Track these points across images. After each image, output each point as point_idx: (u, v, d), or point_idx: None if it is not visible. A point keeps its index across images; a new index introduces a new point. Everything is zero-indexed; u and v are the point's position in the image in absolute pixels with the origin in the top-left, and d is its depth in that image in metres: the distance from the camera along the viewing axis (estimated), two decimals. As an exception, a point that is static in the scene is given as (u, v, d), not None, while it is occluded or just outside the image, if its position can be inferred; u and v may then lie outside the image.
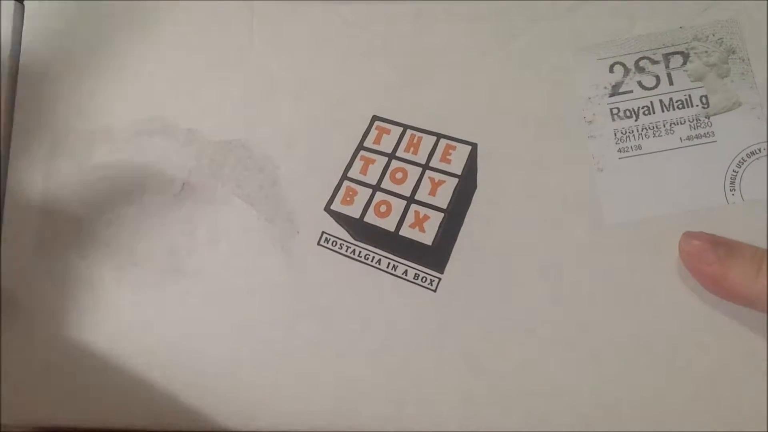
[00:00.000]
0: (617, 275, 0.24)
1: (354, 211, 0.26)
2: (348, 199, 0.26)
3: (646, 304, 0.24)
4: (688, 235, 0.23)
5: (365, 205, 0.26)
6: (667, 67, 0.25)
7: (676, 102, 0.25)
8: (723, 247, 0.22)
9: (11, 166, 0.28)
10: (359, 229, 0.25)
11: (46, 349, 0.26)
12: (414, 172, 0.26)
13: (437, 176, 0.25)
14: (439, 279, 0.25)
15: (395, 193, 0.26)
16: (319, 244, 0.25)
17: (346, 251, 0.25)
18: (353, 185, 0.26)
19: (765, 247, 0.22)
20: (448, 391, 0.24)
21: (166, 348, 0.25)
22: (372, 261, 0.25)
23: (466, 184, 0.25)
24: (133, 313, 0.26)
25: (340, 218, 0.26)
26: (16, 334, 0.26)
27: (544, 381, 0.24)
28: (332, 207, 0.26)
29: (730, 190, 0.24)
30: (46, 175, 0.27)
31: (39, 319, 0.26)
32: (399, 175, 0.26)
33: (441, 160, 0.26)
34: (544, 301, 0.24)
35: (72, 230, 0.27)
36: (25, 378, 0.26)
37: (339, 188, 0.26)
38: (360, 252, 0.25)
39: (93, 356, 0.26)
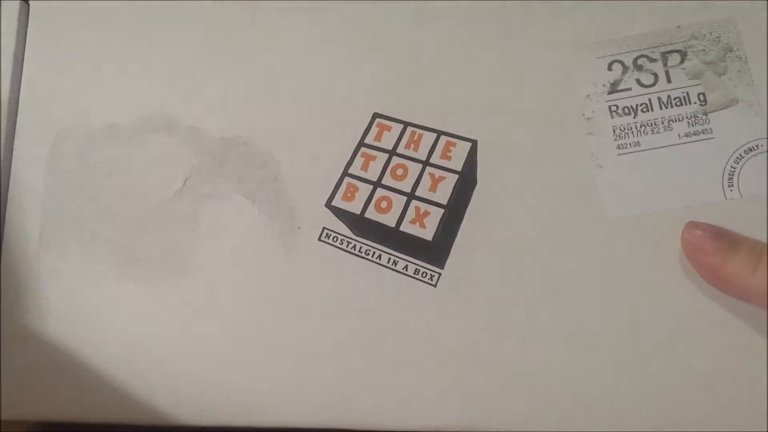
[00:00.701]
0: (616, 270, 0.24)
1: (355, 207, 0.26)
2: (349, 195, 0.26)
3: (646, 300, 0.24)
4: (691, 225, 0.23)
5: (366, 201, 0.26)
6: (665, 65, 0.25)
7: (674, 99, 0.25)
8: (724, 238, 0.22)
9: (14, 162, 0.28)
10: (360, 224, 0.26)
11: (47, 345, 0.26)
12: (414, 168, 0.26)
13: (437, 172, 0.26)
14: (440, 274, 0.25)
15: (396, 189, 0.26)
16: (320, 239, 0.26)
17: (347, 247, 0.25)
18: (354, 181, 0.26)
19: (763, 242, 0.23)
20: (448, 385, 0.24)
21: (168, 342, 0.25)
22: (372, 256, 0.25)
23: (466, 180, 0.25)
24: (135, 309, 0.26)
25: (341, 214, 0.26)
26: (17, 330, 0.26)
27: (543, 375, 0.24)
28: (333, 203, 0.26)
29: (728, 186, 0.24)
30: (49, 172, 0.28)
31: (41, 316, 0.26)
32: (399, 172, 0.26)
33: (441, 157, 0.26)
34: (543, 297, 0.24)
35: (74, 227, 0.27)
36: (25, 373, 0.26)
37: (340, 184, 0.26)
38: (360, 248, 0.25)
39: (94, 352, 0.26)
